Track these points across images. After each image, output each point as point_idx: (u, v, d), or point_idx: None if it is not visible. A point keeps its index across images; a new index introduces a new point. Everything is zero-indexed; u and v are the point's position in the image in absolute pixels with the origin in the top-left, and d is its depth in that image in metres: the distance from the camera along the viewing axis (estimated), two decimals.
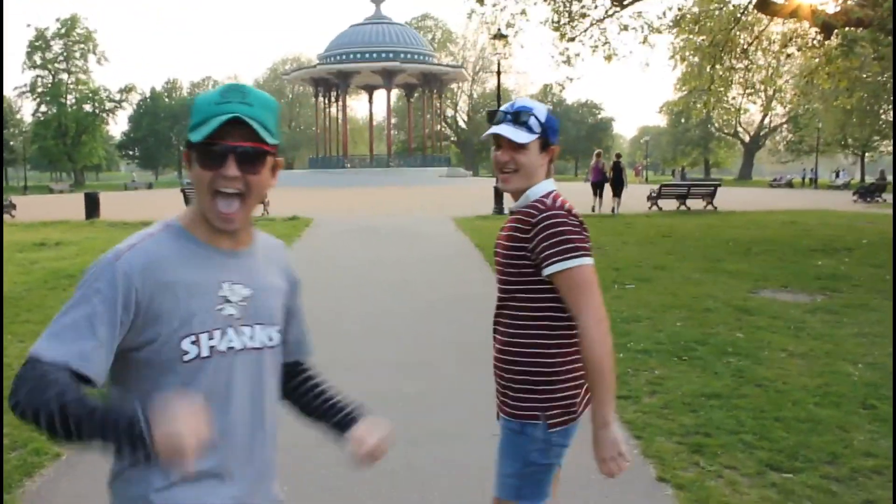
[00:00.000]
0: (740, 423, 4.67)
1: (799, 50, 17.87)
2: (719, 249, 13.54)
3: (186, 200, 23.16)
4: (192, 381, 1.49)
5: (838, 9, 13.93)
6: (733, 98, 22.49)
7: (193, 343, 1.50)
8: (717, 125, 75.67)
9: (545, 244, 2.16)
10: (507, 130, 2.25)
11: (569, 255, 2.14)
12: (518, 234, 2.25)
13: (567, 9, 17.97)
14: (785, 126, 75.09)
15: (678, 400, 5.13)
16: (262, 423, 1.64)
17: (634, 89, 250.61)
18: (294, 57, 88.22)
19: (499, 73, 24.84)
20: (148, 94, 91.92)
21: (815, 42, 16.76)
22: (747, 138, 80.00)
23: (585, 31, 18.35)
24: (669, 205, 24.83)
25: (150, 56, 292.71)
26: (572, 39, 18.63)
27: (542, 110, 2.27)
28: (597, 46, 18.49)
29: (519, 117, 2.25)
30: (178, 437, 1.26)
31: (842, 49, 14.87)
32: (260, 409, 1.62)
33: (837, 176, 57.28)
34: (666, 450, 4.25)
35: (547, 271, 2.17)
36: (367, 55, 53.06)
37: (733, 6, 18.54)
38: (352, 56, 53.61)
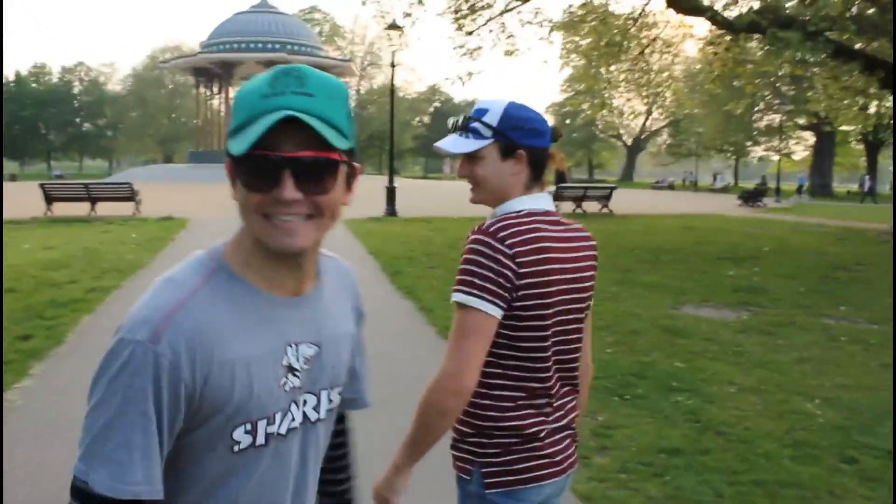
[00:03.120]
0: (717, 491, 3.83)
1: (715, 54, 17.49)
2: (628, 258, 12.96)
3: (47, 199, 20.41)
4: (238, 471, 1.14)
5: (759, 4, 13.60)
6: (627, 100, 22.34)
7: (248, 432, 1.12)
8: (600, 127, 77.15)
9: (459, 269, 1.76)
10: (446, 142, 1.87)
11: (461, 289, 1.71)
12: None
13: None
14: (665, 130, 77.33)
15: (634, 459, 4.25)
16: (306, 493, 1.28)
17: (520, 90, 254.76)
18: (175, 45, 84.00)
19: (393, 65, 23.56)
20: (12, 79, 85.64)
21: (728, 43, 16.48)
22: (630, 141, 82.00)
23: (485, 24, 17.61)
24: (565, 207, 24.37)
25: (16, 38, 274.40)
26: (471, 33, 17.91)
27: (497, 109, 1.82)
28: (499, 41, 17.79)
29: (466, 123, 1.85)
30: None
31: (775, 49, 14.50)
32: (304, 483, 1.27)
33: (716, 179, 59.31)
34: None
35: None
36: (252, 45, 50.69)
37: (632, 8, 18.29)
38: (236, 46, 51.09)
